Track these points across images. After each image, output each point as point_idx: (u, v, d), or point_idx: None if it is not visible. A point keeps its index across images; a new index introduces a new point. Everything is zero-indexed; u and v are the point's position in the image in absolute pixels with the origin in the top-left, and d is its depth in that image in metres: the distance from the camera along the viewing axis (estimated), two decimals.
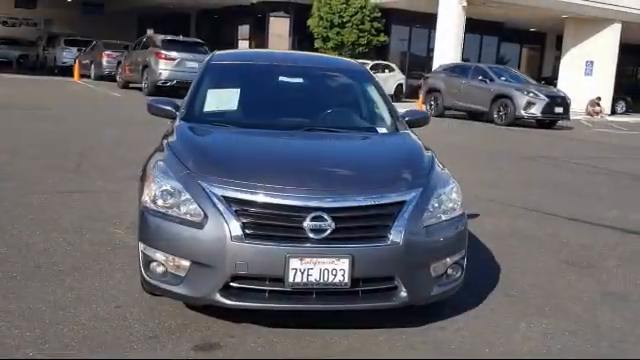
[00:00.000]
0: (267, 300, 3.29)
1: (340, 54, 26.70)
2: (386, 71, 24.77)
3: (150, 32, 26.08)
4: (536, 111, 18.07)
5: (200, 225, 3.26)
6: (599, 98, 25.93)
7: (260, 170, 3.50)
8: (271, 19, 29.11)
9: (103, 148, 9.55)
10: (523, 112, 18.03)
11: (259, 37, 29.73)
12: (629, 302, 4.29)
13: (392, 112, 4.66)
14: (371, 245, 3.26)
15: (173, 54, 18.14)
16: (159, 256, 3.39)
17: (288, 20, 28.71)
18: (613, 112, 27.76)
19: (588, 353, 3.45)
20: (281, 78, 4.79)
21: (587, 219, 6.69)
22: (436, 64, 23.07)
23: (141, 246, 3.48)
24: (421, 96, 21.04)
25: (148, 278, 3.46)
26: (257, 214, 3.25)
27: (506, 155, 12.11)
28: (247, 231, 3.20)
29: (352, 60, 5.57)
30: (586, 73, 27.11)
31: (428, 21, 27.69)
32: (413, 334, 3.54)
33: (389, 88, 24.67)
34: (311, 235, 3.21)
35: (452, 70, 20.40)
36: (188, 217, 3.32)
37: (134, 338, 3.35)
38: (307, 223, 3.21)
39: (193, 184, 3.39)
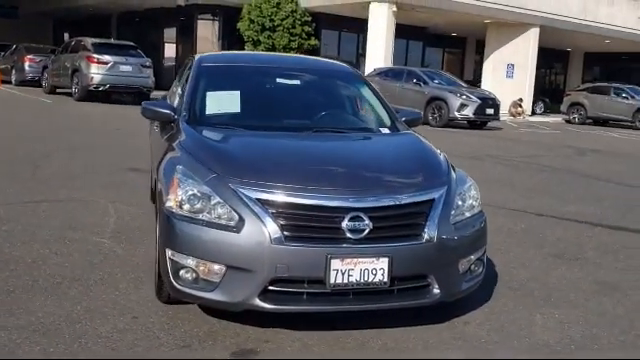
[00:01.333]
0: (306, 303, 3.26)
1: None
2: None
3: (67, 35, 25.17)
4: (469, 112, 18.66)
5: (236, 229, 3.20)
6: (521, 99, 27.07)
7: (291, 172, 3.47)
8: (199, 22, 28.68)
9: (55, 155, 9.15)
10: (457, 114, 18.58)
11: (187, 41, 29.26)
12: (622, 290, 4.50)
13: (389, 112, 4.72)
14: (408, 244, 3.30)
15: (106, 58, 17.56)
16: (190, 262, 3.30)
17: (217, 23, 28.38)
18: (533, 113, 29.00)
19: (603, 344, 3.60)
20: (278, 80, 4.76)
21: (552, 214, 6.98)
22: (368, 68, 23.40)
23: (168, 253, 3.37)
24: None
25: (178, 285, 3.35)
26: (294, 216, 3.22)
27: (452, 156, 12.36)
28: (286, 233, 3.17)
29: (342, 62, 5.59)
30: (507, 76, 28.16)
31: (357, 26, 28.09)
32: (441, 330, 3.60)
33: None
34: (350, 235, 3.21)
35: (386, 74, 20.75)
36: (221, 221, 3.25)
37: (166, 348, 3.25)
38: (345, 223, 3.21)
39: (223, 188, 3.32)
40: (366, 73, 22.79)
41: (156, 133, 5.24)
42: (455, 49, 35.41)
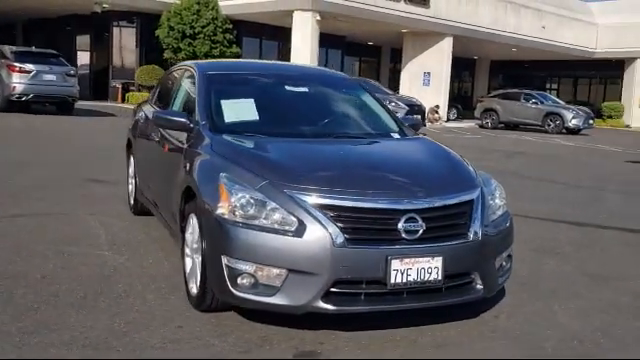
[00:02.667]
0: (365, 303, 3.36)
1: None
2: None
3: None
4: None
5: (298, 233, 3.26)
6: (437, 106, 28.10)
7: (341, 177, 3.57)
8: (115, 30, 27.96)
9: (11, 169, 8.73)
10: None
11: (102, 48, 28.44)
12: (614, 281, 4.86)
13: (394, 118, 4.90)
14: (457, 242, 3.47)
15: (28, 66, 16.80)
16: (248, 268, 3.33)
17: (134, 30, 27.74)
18: (447, 119, 30.11)
19: (626, 329, 3.91)
20: (287, 87, 4.83)
21: (516, 212, 7.35)
22: None
23: (224, 260, 3.38)
24: None
25: (236, 292, 3.37)
26: (353, 219, 3.32)
27: None
28: (347, 236, 3.26)
29: (337, 71, 5.72)
30: (424, 83, 29.13)
31: (278, 34, 28.30)
32: (477, 325, 3.79)
33: None
34: (405, 236, 3.34)
35: None
36: (280, 226, 3.31)
37: (227, 355, 3.27)
38: (401, 225, 3.34)
39: (278, 194, 3.38)
40: None
41: (152, 144, 5.15)
42: (371, 58, 36.25)
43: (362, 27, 27.63)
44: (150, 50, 27.42)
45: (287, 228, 3.29)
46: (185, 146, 4.29)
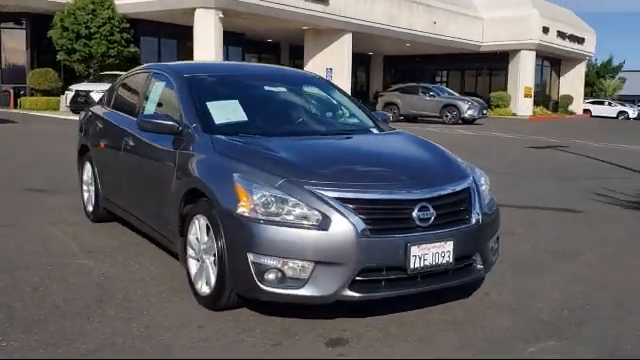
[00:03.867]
0: (385, 289, 3.56)
1: (89, 66, 25.54)
2: None
3: None
4: None
5: (323, 226, 3.40)
6: None
7: (352, 171, 3.76)
8: (3, 31, 26.51)
9: None
10: None
11: None
12: (575, 257, 5.33)
13: (368, 113, 5.13)
14: (463, 227, 3.74)
15: None
16: (275, 263, 3.44)
17: (24, 32, 26.42)
18: None
19: (608, 295, 4.34)
20: (266, 88, 4.94)
21: None
22: None
23: (250, 257, 3.47)
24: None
25: (264, 287, 3.47)
26: (372, 210, 3.50)
27: None
28: (369, 226, 3.45)
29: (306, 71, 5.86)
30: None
31: (177, 32, 27.87)
32: (473, 303, 4.10)
33: None
34: (419, 224, 3.57)
35: None
36: (304, 221, 3.43)
37: (261, 348, 3.37)
38: (415, 213, 3.57)
39: (298, 190, 3.50)
40: None
41: (124, 149, 5.08)
42: (270, 55, 36.36)
43: (263, 24, 27.75)
44: (42, 52, 26.26)
45: (312, 222, 3.43)
46: (177, 150, 4.29)
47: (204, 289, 3.92)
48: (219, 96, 4.73)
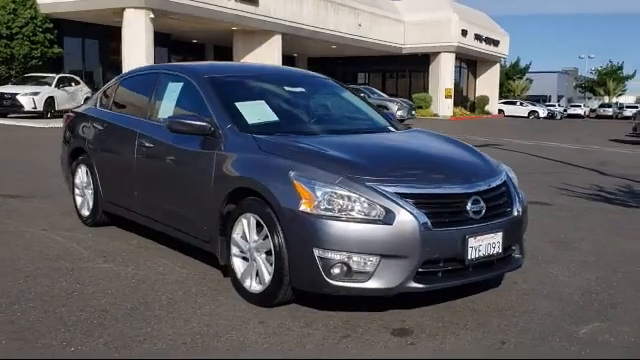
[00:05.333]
0: (442, 279, 3.72)
1: (10, 68, 24.44)
2: (72, 84, 23.49)
3: None
4: None
5: (387, 221, 3.53)
6: None
7: (405, 167, 3.91)
8: None
9: None
10: None
11: None
12: (569, 245, 5.70)
13: (380, 113, 5.29)
14: (508, 218, 3.96)
15: None
16: (342, 257, 3.54)
17: None
18: None
19: (619, 278, 4.67)
20: (286, 88, 5.00)
21: None
22: None
23: (317, 252, 3.55)
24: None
25: (331, 281, 3.55)
26: (431, 204, 3.66)
27: None
28: (431, 220, 3.61)
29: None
30: None
31: (104, 33, 27.12)
32: (508, 290, 4.33)
33: (79, 102, 23.54)
34: (473, 216, 3.76)
35: None
36: (369, 216, 3.55)
37: (332, 340, 3.46)
38: (469, 206, 3.76)
39: (360, 186, 3.61)
40: None
41: (144, 150, 4.99)
42: (195, 56, 35.87)
43: (191, 24, 27.41)
44: None
45: (376, 217, 3.55)
46: (213, 150, 4.28)
47: (254, 286, 3.96)
48: (244, 97, 4.76)
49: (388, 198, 3.59)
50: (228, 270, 4.25)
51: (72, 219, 6.16)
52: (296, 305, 3.93)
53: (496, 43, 45.57)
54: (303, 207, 3.61)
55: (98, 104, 6.01)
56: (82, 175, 5.99)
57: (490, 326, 3.69)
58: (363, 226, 3.54)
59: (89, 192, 5.89)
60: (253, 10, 27.31)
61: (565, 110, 60.02)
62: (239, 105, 4.58)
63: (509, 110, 50.22)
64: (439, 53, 39.88)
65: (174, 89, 5.03)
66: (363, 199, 3.58)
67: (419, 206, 3.62)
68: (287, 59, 39.22)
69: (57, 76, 22.66)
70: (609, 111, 62.18)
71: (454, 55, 40.53)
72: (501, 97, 54.58)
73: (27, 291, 4.17)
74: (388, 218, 3.55)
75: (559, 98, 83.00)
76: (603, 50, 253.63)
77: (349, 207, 3.57)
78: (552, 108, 56.85)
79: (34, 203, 7.04)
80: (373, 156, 4.07)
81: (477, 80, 48.32)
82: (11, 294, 4.10)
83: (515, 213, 4.04)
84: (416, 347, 3.40)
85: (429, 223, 3.59)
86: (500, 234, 3.84)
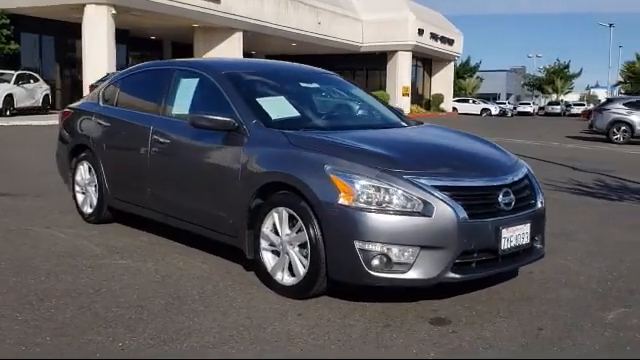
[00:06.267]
0: (476, 270, 3.83)
1: None
2: (31, 81, 22.93)
3: None
4: None
5: (426, 213, 3.62)
6: None
7: (438, 161, 4.01)
8: None
9: None
10: None
11: None
12: (568, 236, 5.90)
13: (389, 107, 5.40)
14: (534, 210, 4.11)
15: None
16: (382, 249, 3.61)
17: None
18: None
19: (627, 266, 4.88)
20: (302, 84, 5.05)
21: None
22: (88, 74, 22.48)
23: (357, 244, 3.61)
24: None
25: (372, 272, 3.62)
26: (466, 197, 3.77)
27: None
28: (467, 212, 3.72)
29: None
30: None
31: (62, 29, 26.54)
32: (528, 280, 4.47)
33: (37, 99, 23.03)
34: (504, 208, 3.89)
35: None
36: (408, 208, 3.63)
37: (375, 330, 3.53)
38: (501, 198, 3.89)
39: (397, 179, 3.69)
40: (88, 79, 21.87)
41: (159, 147, 4.95)
42: (153, 52, 35.42)
43: (151, 21, 27.05)
44: None
45: (415, 209, 3.64)
46: (239, 146, 4.29)
47: (287, 279, 4.01)
48: (263, 92, 4.79)
49: (426, 191, 3.68)
50: (255, 264, 4.28)
51: (73, 217, 6.08)
52: (328, 297, 3.99)
53: (451, 42, 46.37)
54: (342, 200, 3.67)
55: (101, 100, 5.93)
56: (84, 172, 5.91)
57: (522, 314, 3.83)
58: (403, 218, 3.63)
59: (92, 189, 5.82)
60: (215, 7, 27.14)
61: (515, 108, 61.48)
62: (260, 101, 4.61)
63: (462, 108, 51.16)
64: (396, 52, 40.36)
65: (189, 85, 5.01)
66: (401, 192, 3.66)
67: (455, 198, 3.72)
68: (245, 56, 39.17)
69: (16, 73, 22.11)
70: (557, 109, 63.95)
71: (411, 54, 41.09)
72: (454, 95, 55.59)
73: (52, 288, 4.12)
74: (427, 210, 3.64)
75: (508, 96, 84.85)
76: (551, 49, 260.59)
77: (388, 200, 3.65)
78: (503, 106, 58.13)
79: (27, 201, 6.90)
80: (404, 150, 4.16)
81: (432, 78, 49.09)
82: (38, 291, 4.05)
83: (539, 205, 4.19)
84: (458, 335, 3.50)
85: (466, 215, 3.70)
86: (528, 225, 3.99)
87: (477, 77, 69.38)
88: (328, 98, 5.25)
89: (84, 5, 22.58)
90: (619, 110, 21.56)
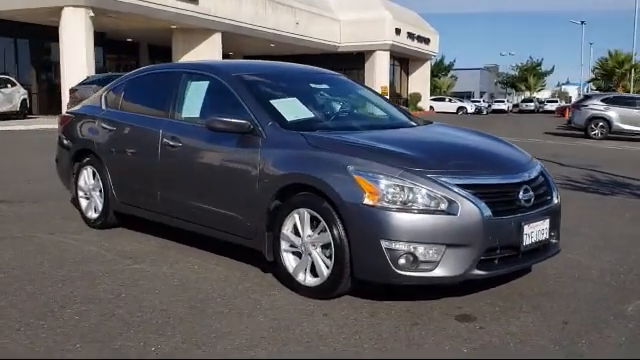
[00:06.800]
0: (498, 266, 3.88)
1: None
2: (9, 86, 22.57)
3: None
4: None
5: (452, 211, 3.66)
6: None
7: (459, 159, 4.05)
8: None
9: None
10: None
11: None
12: (571, 231, 5.95)
13: (397, 107, 5.44)
14: (551, 206, 4.18)
15: None
16: (408, 248, 3.64)
17: None
18: None
19: (634, 259, 4.97)
20: (312, 85, 5.06)
21: None
22: (67, 78, 22.22)
23: (384, 244, 3.64)
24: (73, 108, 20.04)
25: (399, 271, 3.65)
26: (489, 194, 3.81)
27: None
28: (491, 209, 3.77)
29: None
30: None
31: (38, 33, 26.20)
32: (542, 276, 4.53)
33: (15, 104, 22.69)
34: (525, 204, 3.95)
35: (107, 81, 19.96)
36: (433, 207, 3.66)
37: (404, 328, 3.56)
38: (521, 195, 3.95)
39: (421, 178, 3.72)
40: (67, 82, 21.62)
41: (170, 150, 4.92)
42: (129, 55, 35.16)
43: (128, 23, 26.79)
44: None
45: (440, 208, 3.67)
46: (257, 147, 4.27)
47: (309, 280, 4.02)
48: (275, 94, 4.78)
49: (450, 189, 3.72)
50: (275, 266, 4.29)
51: (76, 222, 6.02)
52: (351, 297, 4.01)
53: (427, 41, 46.70)
54: (367, 200, 3.69)
55: (103, 104, 5.87)
56: (88, 177, 5.85)
57: (545, 309, 3.89)
58: (428, 217, 3.66)
59: (96, 194, 5.76)
60: (193, 8, 26.99)
61: (489, 106, 62.17)
62: (274, 102, 4.61)
63: (439, 106, 51.53)
64: (374, 51, 40.53)
65: (198, 88, 4.99)
66: (425, 191, 3.69)
67: (479, 196, 3.76)
68: (224, 57, 39.02)
69: None
70: (531, 106, 64.79)
71: (388, 53, 41.29)
72: (430, 94, 55.98)
73: (71, 295, 4.08)
74: (452, 209, 3.68)
75: (482, 94, 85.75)
76: (523, 47, 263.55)
77: (413, 199, 3.68)
78: (479, 104, 58.71)
79: (26, 208, 6.81)
80: (423, 149, 4.19)
81: (410, 77, 49.38)
82: (57, 299, 4.01)
83: (555, 201, 4.26)
84: (487, 331, 3.54)
85: (490, 212, 3.75)
86: (547, 221, 4.05)
87: (451, 76, 70.06)
88: (338, 99, 5.28)
89: (62, 8, 22.27)
90: (597, 106, 21.91)
